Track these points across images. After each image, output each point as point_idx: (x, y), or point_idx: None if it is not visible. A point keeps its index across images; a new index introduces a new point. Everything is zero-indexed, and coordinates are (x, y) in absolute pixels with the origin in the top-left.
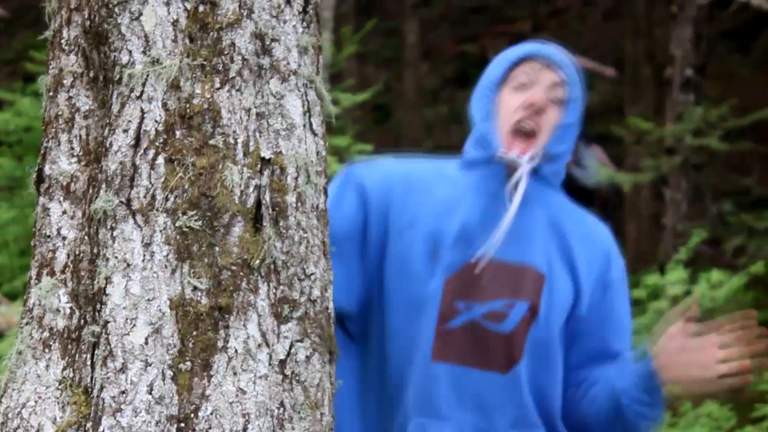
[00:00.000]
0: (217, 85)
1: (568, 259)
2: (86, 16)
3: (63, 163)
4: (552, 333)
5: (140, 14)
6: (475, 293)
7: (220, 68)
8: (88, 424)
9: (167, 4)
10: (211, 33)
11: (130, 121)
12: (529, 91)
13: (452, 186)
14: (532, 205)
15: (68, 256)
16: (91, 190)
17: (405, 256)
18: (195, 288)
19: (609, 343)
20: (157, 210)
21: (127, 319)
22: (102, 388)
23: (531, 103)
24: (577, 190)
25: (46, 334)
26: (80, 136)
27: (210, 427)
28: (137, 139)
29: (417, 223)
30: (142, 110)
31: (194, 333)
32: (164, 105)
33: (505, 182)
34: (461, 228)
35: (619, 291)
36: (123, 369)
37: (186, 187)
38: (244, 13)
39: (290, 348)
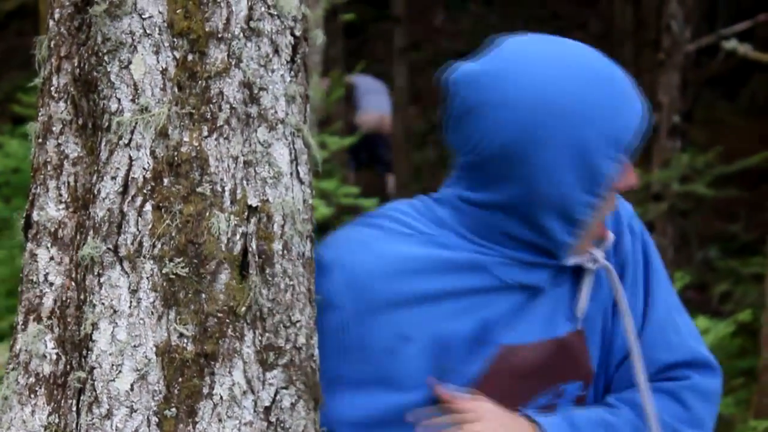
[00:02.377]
0: (205, 133)
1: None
2: (76, 64)
3: (51, 209)
4: (612, 376)
5: (129, 63)
6: (510, 399)
7: (209, 116)
8: None
9: (156, 52)
10: (200, 82)
11: (118, 168)
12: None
13: (461, 273)
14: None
15: (55, 302)
16: (78, 237)
17: (387, 379)
18: (181, 335)
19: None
20: (144, 257)
21: (113, 365)
22: None
23: (630, 189)
24: None
25: (32, 379)
26: (68, 182)
27: None
28: (125, 186)
29: (412, 335)
30: (130, 158)
31: (180, 379)
32: (152, 153)
33: (551, 274)
34: (480, 327)
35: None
36: (108, 415)
37: (173, 234)
38: (233, 63)
39: (275, 395)
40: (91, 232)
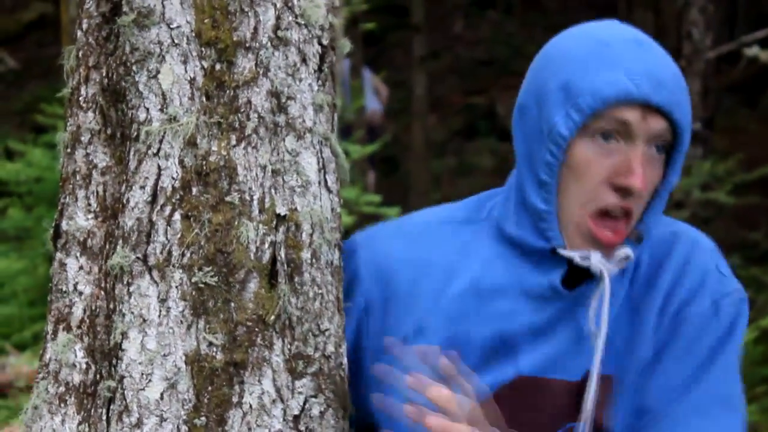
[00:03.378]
0: (234, 142)
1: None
2: (104, 74)
3: (80, 219)
4: None
5: (158, 72)
6: (516, 427)
7: (237, 126)
8: None
9: (184, 62)
10: (228, 91)
11: (146, 177)
12: (618, 151)
13: (481, 267)
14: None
15: (84, 311)
16: (107, 246)
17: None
18: (210, 343)
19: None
20: (174, 266)
21: (142, 374)
22: None
23: (628, 188)
24: None
25: (62, 388)
26: (97, 192)
27: None
28: (154, 196)
29: (427, 329)
30: (158, 167)
31: (209, 388)
32: (181, 162)
33: (561, 280)
34: (498, 336)
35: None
36: (138, 424)
37: (202, 243)
38: (261, 72)
39: (304, 404)
40: (120, 242)
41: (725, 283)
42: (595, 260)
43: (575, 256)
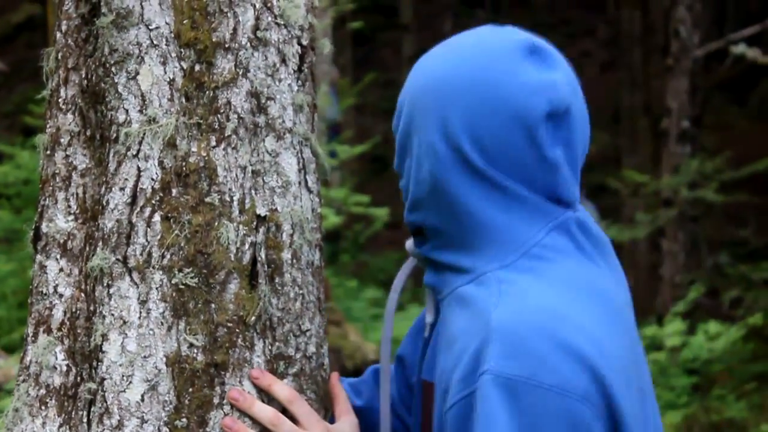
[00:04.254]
0: (213, 143)
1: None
2: (83, 76)
3: (60, 221)
4: None
5: (137, 74)
6: None
7: (216, 127)
8: None
9: (164, 63)
10: (207, 92)
11: (126, 179)
12: None
13: None
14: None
15: (65, 313)
16: (87, 248)
17: None
18: (191, 345)
19: None
20: (154, 267)
21: (123, 376)
22: None
23: None
24: None
25: (42, 391)
26: (77, 194)
27: None
28: (134, 197)
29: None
30: (138, 168)
31: (190, 390)
32: (160, 163)
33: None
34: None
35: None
36: (119, 426)
37: (182, 244)
38: (240, 72)
39: None
40: (100, 243)
41: (480, 361)
42: (410, 245)
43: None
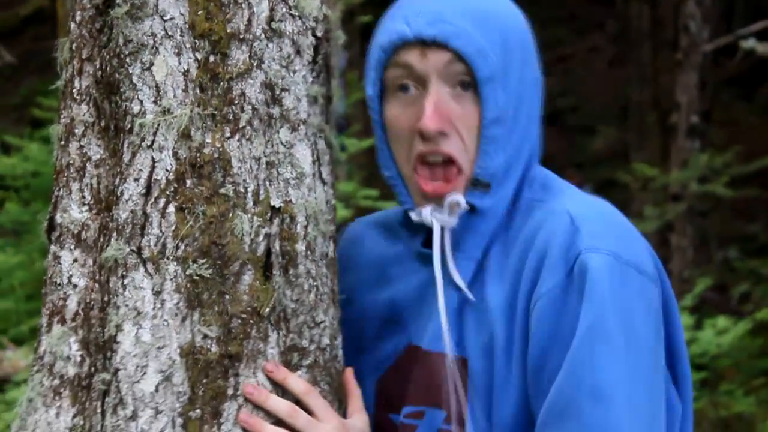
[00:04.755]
0: (228, 134)
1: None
2: (98, 66)
3: (74, 211)
4: None
5: (151, 64)
6: (398, 398)
7: (231, 118)
8: None
9: (178, 54)
10: (222, 83)
11: (140, 170)
12: (416, 98)
13: (391, 244)
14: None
15: (79, 304)
16: (101, 239)
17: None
18: (205, 336)
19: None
20: (168, 258)
21: (137, 366)
22: None
23: (421, 131)
24: None
25: (56, 381)
26: (91, 184)
27: None
28: (148, 188)
29: (351, 300)
30: (152, 159)
31: (204, 381)
32: (175, 154)
33: (422, 240)
34: (389, 307)
35: (551, 307)
36: (133, 417)
37: (196, 235)
38: (254, 64)
39: None
40: (114, 234)
41: (576, 245)
42: (425, 213)
43: (413, 215)
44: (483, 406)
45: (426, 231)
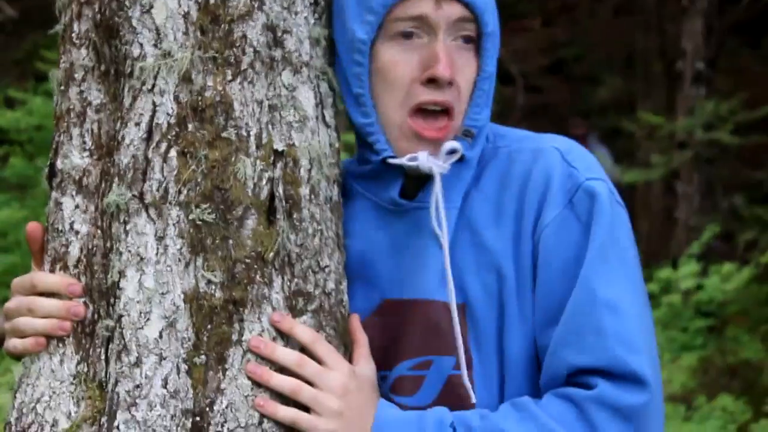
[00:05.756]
0: (229, 77)
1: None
2: (97, 10)
3: (75, 157)
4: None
5: (151, 7)
6: (384, 357)
7: (232, 60)
8: (103, 419)
9: None
10: (223, 25)
11: (141, 114)
12: (421, 46)
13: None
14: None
15: (81, 250)
16: (103, 184)
17: None
18: (209, 281)
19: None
20: (170, 203)
21: (141, 313)
22: (116, 382)
23: (435, 78)
24: None
25: None
26: (92, 130)
27: (225, 421)
28: (149, 133)
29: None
30: (153, 103)
31: (209, 326)
32: (176, 98)
33: (399, 190)
34: (359, 260)
35: (555, 237)
36: (137, 363)
37: (199, 180)
38: (256, 5)
39: None
40: (116, 180)
41: (575, 176)
42: (423, 159)
43: (403, 160)
44: (490, 348)
45: (404, 181)
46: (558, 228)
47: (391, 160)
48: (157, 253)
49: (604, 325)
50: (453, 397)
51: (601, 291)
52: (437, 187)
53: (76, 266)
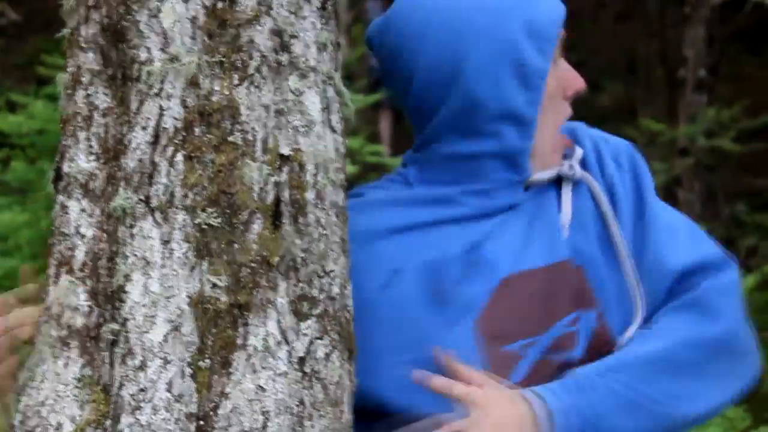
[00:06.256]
0: (236, 81)
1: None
2: (104, 14)
3: (81, 161)
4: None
5: (159, 11)
6: (525, 326)
7: (239, 65)
8: (107, 422)
9: (186, 1)
10: (230, 30)
11: (148, 118)
12: (557, 66)
13: (434, 206)
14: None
15: (87, 254)
16: (109, 188)
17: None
18: (214, 285)
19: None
20: (176, 207)
21: (146, 316)
22: (121, 386)
23: (578, 92)
24: None
25: (64, 332)
26: (98, 134)
27: (230, 425)
28: (156, 137)
29: (402, 268)
30: (160, 107)
31: (214, 330)
32: (183, 102)
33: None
34: (470, 247)
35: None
36: (142, 367)
37: (205, 184)
38: (263, 10)
39: (309, 345)
40: (122, 184)
41: (611, 141)
42: (578, 168)
43: (560, 171)
44: (612, 295)
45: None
46: (620, 185)
47: (535, 178)
48: (162, 257)
49: (679, 232)
50: (602, 344)
51: (677, 220)
52: (598, 193)
53: (81, 270)
